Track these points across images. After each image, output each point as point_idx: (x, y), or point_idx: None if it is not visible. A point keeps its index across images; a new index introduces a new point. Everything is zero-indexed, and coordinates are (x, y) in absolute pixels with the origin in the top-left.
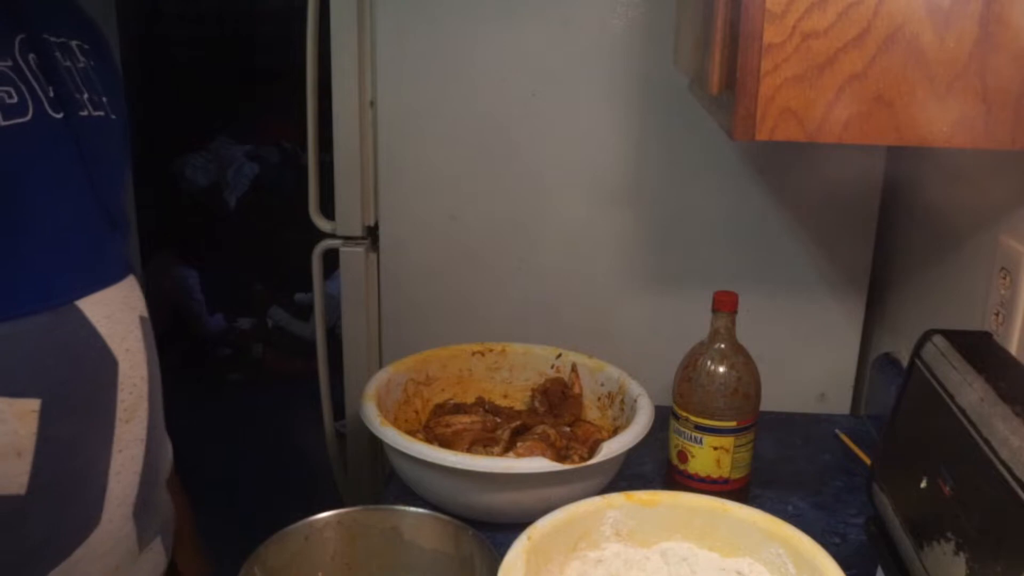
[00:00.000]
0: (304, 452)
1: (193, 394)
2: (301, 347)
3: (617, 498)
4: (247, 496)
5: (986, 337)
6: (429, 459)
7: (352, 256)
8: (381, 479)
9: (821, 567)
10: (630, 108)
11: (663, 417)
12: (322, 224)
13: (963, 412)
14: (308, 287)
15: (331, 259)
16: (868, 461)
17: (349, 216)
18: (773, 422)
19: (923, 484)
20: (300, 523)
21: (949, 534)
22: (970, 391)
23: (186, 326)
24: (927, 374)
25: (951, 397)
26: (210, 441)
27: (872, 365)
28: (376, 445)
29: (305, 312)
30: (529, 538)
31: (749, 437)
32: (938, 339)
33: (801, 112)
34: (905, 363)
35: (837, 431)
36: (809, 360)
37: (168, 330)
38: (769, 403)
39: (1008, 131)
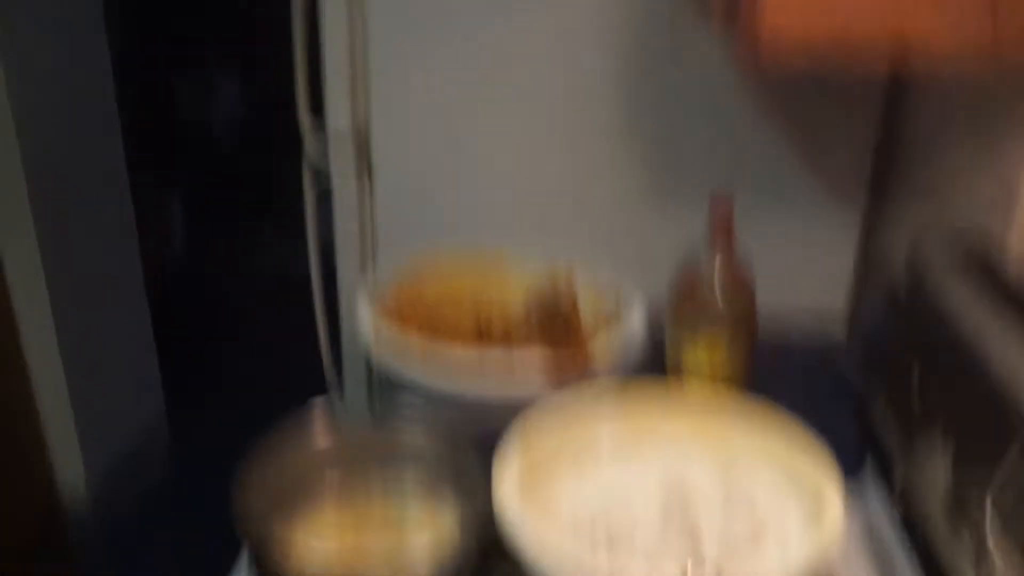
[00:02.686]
0: (300, 373)
1: (187, 325)
2: (296, 265)
3: (611, 397)
4: (245, 409)
5: (984, 237)
6: (426, 387)
7: (344, 161)
8: (376, 396)
9: (815, 463)
10: (628, 13)
11: (660, 327)
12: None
13: (956, 314)
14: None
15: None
16: (862, 370)
17: (338, 114)
18: (767, 332)
19: (915, 380)
20: (297, 426)
21: (938, 425)
22: (966, 294)
23: (170, 254)
24: (923, 277)
25: (944, 300)
26: (208, 364)
27: (869, 271)
28: (372, 360)
29: (296, 232)
30: (524, 438)
31: (744, 344)
32: (935, 239)
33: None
34: (902, 270)
35: (831, 341)
36: (804, 270)
37: (156, 256)
38: (763, 314)
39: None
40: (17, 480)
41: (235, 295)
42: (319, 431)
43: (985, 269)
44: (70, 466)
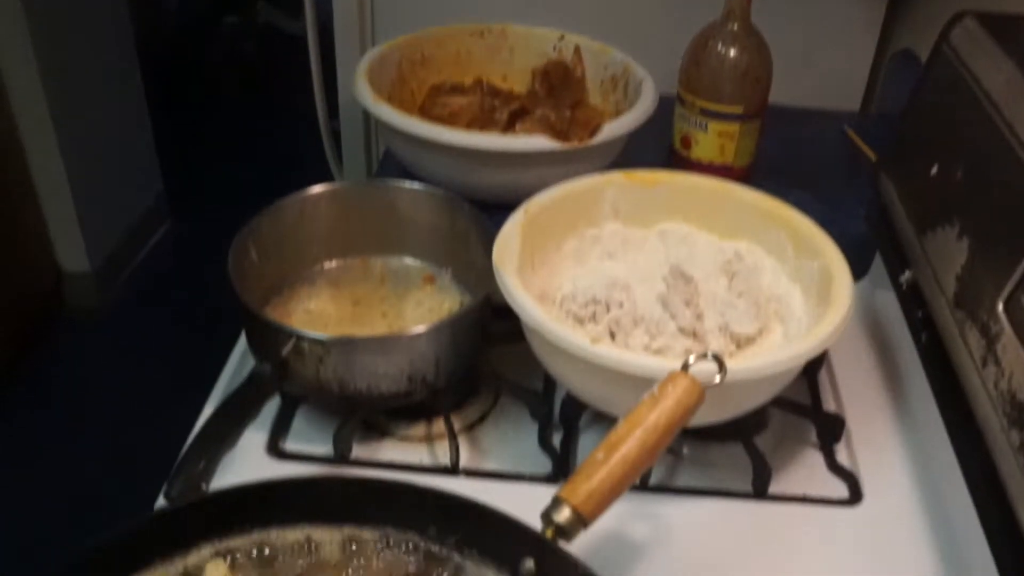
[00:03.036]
0: (300, 154)
1: (184, 106)
2: (293, 46)
3: (616, 176)
4: (245, 200)
5: (1021, 21)
6: (425, 136)
7: None
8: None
9: (821, 248)
10: None
11: (668, 107)
12: None
13: (987, 96)
14: None
15: None
16: (874, 157)
17: None
18: (780, 115)
19: (933, 171)
20: (294, 196)
21: (954, 219)
22: (998, 74)
23: (164, 34)
24: (952, 57)
25: (976, 81)
26: (206, 147)
27: (889, 60)
28: (371, 136)
29: (295, 8)
30: (526, 212)
31: (755, 125)
32: (969, 21)
33: None
34: (924, 60)
35: (845, 127)
36: (822, 54)
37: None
38: (777, 97)
39: None
40: (20, 268)
41: (232, 73)
42: (317, 214)
43: (1019, 52)
44: (72, 252)
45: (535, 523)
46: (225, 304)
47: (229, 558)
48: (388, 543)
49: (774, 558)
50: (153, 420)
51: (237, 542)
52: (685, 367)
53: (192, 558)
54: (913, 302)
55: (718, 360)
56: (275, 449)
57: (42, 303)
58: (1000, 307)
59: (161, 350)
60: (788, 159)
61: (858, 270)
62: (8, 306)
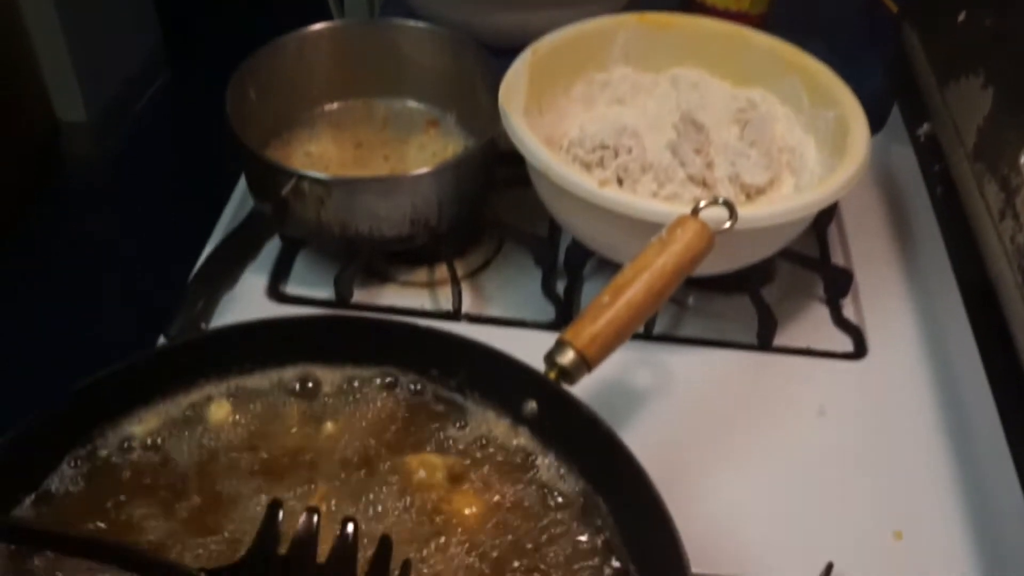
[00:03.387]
0: (300, 2)
1: None
2: None
3: (629, 19)
4: (244, 49)
5: None
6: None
7: None
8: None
9: (837, 98)
10: None
11: None
12: None
13: None
14: None
15: None
16: (900, 14)
17: None
18: None
19: (960, 18)
20: (293, 34)
21: (980, 69)
22: None
23: None
24: None
25: None
26: None
27: None
28: None
29: None
30: (534, 52)
31: None
32: None
33: None
34: None
35: None
36: None
37: None
38: None
39: None
40: (16, 119)
41: None
42: (318, 54)
43: None
44: (69, 102)
45: (538, 367)
46: (224, 153)
47: (230, 397)
48: (389, 384)
49: (776, 408)
50: (152, 269)
51: (237, 381)
52: (695, 211)
53: (193, 395)
54: (930, 155)
55: (729, 206)
56: (275, 292)
57: (39, 153)
58: (1022, 159)
59: (159, 200)
60: (805, 10)
61: (874, 124)
62: (6, 157)
